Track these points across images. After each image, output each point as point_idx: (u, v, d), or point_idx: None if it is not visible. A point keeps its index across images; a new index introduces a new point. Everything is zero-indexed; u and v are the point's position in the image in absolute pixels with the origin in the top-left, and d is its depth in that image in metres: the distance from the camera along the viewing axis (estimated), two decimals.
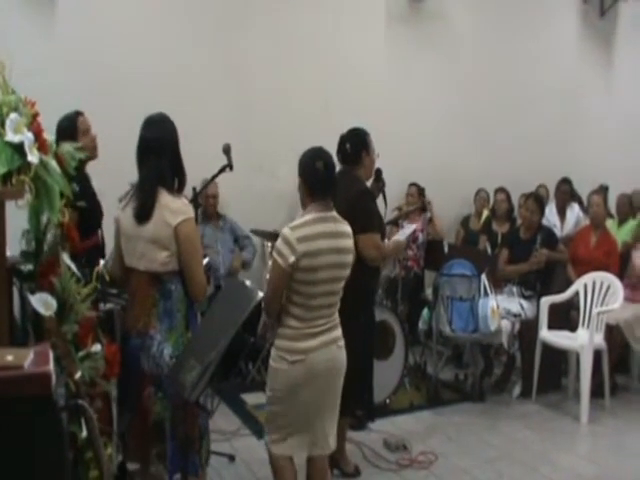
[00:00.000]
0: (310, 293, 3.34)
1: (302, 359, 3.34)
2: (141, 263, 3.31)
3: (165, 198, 3.26)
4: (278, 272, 3.32)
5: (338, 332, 3.52)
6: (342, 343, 3.53)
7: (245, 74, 6.84)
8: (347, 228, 3.51)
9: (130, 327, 3.35)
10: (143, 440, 3.35)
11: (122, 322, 3.45)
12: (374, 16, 7.72)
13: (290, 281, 3.32)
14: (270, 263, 3.59)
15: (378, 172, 4.92)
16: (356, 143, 4.51)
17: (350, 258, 3.50)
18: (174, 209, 3.25)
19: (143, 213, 3.26)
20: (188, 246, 3.28)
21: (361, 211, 4.18)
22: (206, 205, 6.56)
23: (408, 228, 5.08)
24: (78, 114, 3.99)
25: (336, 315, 3.53)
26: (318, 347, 3.38)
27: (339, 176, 3.75)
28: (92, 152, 3.88)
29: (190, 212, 3.34)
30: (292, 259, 3.25)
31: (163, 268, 3.28)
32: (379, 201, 4.83)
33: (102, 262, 3.78)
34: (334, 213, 3.47)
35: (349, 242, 3.49)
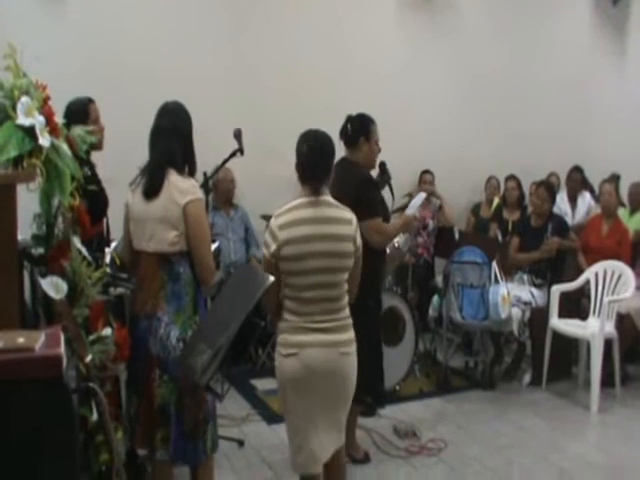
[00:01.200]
0: (301, 284, 3.18)
1: (295, 353, 3.18)
2: (150, 245, 3.30)
3: (174, 177, 3.26)
4: (265, 263, 3.24)
5: (345, 335, 3.29)
6: (350, 350, 3.30)
7: (255, 60, 6.82)
8: (344, 214, 3.30)
9: (138, 309, 3.34)
10: (149, 425, 3.34)
11: (131, 305, 3.45)
12: (384, 3, 7.68)
13: (279, 273, 3.18)
14: None
15: (382, 165, 4.88)
16: (358, 126, 4.48)
17: (348, 246, 3.25)
18: (183, 189, 3.24)
19: (151, 190, 3.26)
20: (196, 227, 3.26)
21: (363, 199, 4.10)
22: (221, 191, 6.56)
23: (418, 198, 4.97)
24: (90, 101, 3.97)
25: (344, 315, 3.31)
26: (313, 344, 3.19)
27: (339, 163, 3.69)
28: (99, 142, 3.84)
29: (199, 193, 3.32)
30: (273, 247, 3.14)
31: (172, 248, 3.26)
32: (386, 194, 4.79)
33: (107, 250, 3.79)
34: (326, 197, 3.28)
35: (345, 228, 3.26)
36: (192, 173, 3.43)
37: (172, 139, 3.32)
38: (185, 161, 3.38)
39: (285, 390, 3.28)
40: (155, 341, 3.27)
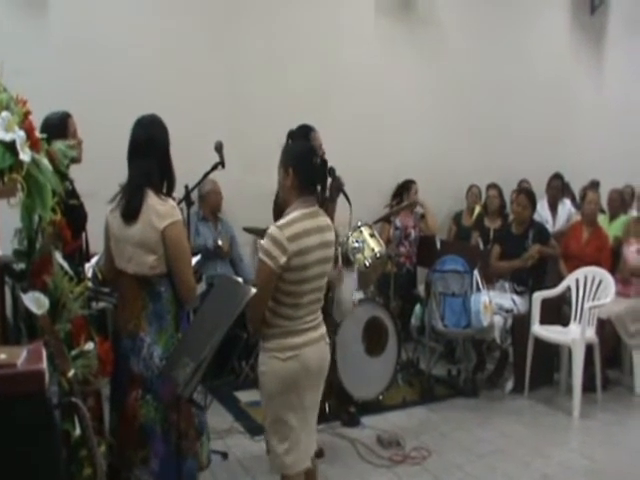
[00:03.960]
0: (300, 292, 3.23)
1: (295, 354, 3.24)
2: (129, 266, 3.30)
3: (152, 199, 3.24)
4: (267, 274, 3.17)
5: (324, 328, 3.46)
6: (328, 340, 3.49)
7: (238, 71, 6.83)
8: (328, 221, 3.39)
9: (121, 328, 3.34)
10: (128, 444, 3.30)
11: (113, 322, 3.44)
12: (364, 10, 7.72)
13: (279, 282, 3.19)
14: None
15: (331, 171, 4.86)
16: (297, 139, 4.54)
17: (332, 252, 3.40)
18: (161, 212, 3.23)
19: (130, 213, 3.24)
20: (175, 250, 3.26)
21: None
22: (209, 203, 6.56)
23: None
24: (68, 115, 3.97)
25: (320, 311, 3.46)
26: (309, 343, 3.30)
27: None
28: (78, 155, 3.81)
29: (177, 215, 3.30)
30: (283, 260, 3.11)
31: (151, 272, 3.27)
32: (341, 201, 4.82)
33: (87, 265, 3.78)
34: (316, 207, 3.35)
35: (331, 235, 3.38)
36: (170, 190, 3.40)
37: (149, 157, 3.30)
38: (163, 178, 3.36)
39: (280, 394, 3.27)
40: (138, 360, 3.27)
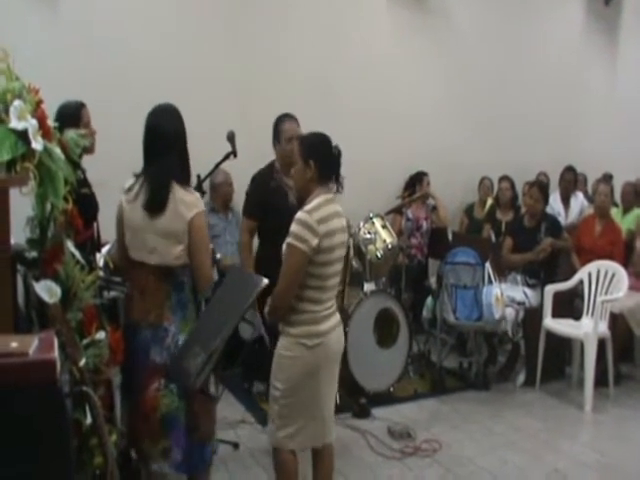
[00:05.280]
0: (326, 274, 3.34)
1: (321, 342, 3.33)
2: (152, 257, 3.27)
3: (179, 192, 3.24)
4: (299, 258, 3.24)
5: (338, 314, 3.57)
6: (342, 325, 3.60)
7: (250, 62, 6.81)
8: (340, 208, 3.50)
9: (139, 319, 3.31)
10: (144, 436, 3.30)
11: (128, 313, 3.42)
12: (377, 5, 7.68)
13: (308, 266, 3.28)
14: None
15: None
16: (273, 133, 4.78)
17: (346, 237, 3.54)
18: (188, 203, 3.24)
19: (156, 206, 3.22)
20: (199, 238, 3.27)
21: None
22: (221, 194, 6.55)
23: None
24: (82, 105, 3.96)
25: (335, 299, 3.57)
26: (331, 330, 3.41)
27: None
28: (90, 146, 3.79)
29: (202, 205, 3.33)
30: (315, 242, 3.21)
31: (176, 262, 3.26)
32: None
33: (99, 254, 3.77)
34: (333, 194, 3.48)
35: (345, 221, 3.50)
36: (187, 180, 3.40)
37: (172, 148, 3.29)
38: (184, 169, 3.36)
39: (301, 379, 3.35)
40: (161, 350, 3.26)
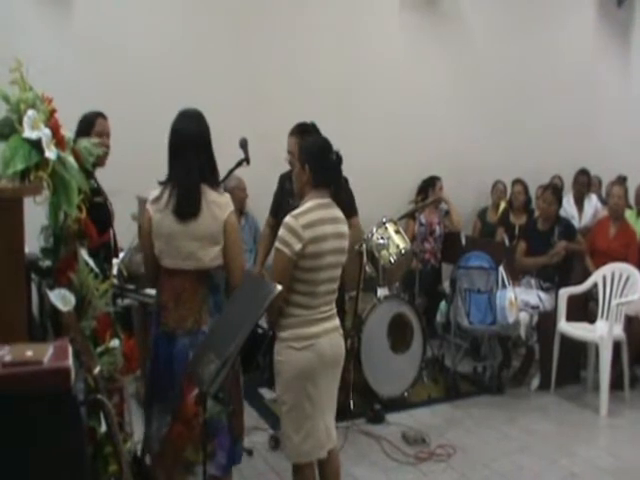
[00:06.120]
0: (315, 280, 3.33)
1: (311, 344, 3.32)
2: (188, 263, 3.27)
3: (211, 194, 3.26)
4: (283, 262, 3.28)
5: (337, 320, 3.55)
6: (342, 331, 3.57)
7: (261, 68, 6.82)
8: (341, 214, 3.50)
9: (175, 327, 3.31)
10: (185, 444, 3.28)
11: (162, 322, 3.37)
12: (388, 6, 7.69)
13: (294, 270, 3.29)
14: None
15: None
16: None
17: (346, 243, 3.51)
18: (222, 204, 3.27)
19: (189, 210, 3.22)
20: (235, 237, 3.32)
21: None
22: (235, 200, 6.55)
23: None
24: (98, 115, 3.98)
25: (334, 303, 3.55)
26: (324, 333, 3.39)
27: None
28: (101, 158, 3.71)
29: (232, 205, 3.35)
30: (299, 247, 3.23)
31: (212, 263, 3.28)
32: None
33: (114, 261, 3.79)
34: (330, 200, 3.45)
35: (345, 227, 3.50)
36: (216, 182, 3.42)
37: (201, 152, 3.30)
38: (213, 172, 3.38)
39: (296, 382, 3.36)
40: None
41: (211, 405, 3.23)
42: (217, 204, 3.26)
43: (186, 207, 3.23)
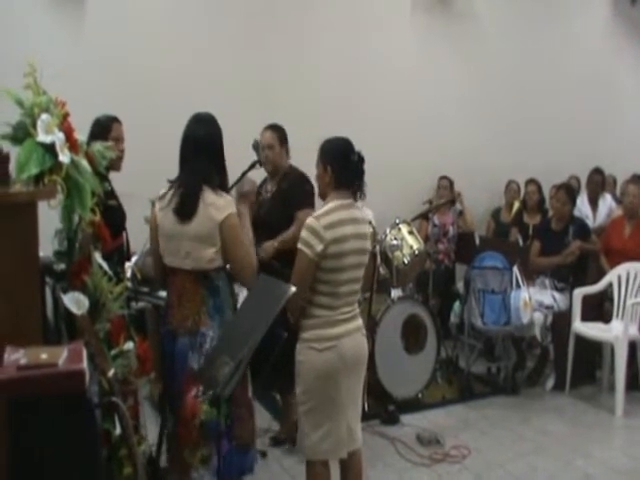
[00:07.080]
0: (337, 280, 3.34)
1: (333, 345, 3.33)
2: (186, 262, 3.30)
3: (210, 196, 3.26)
4: (305, 263, 3.29)
5: (360, 321, 3.54)
6: (364, 331, 3.56)
7: (272, 70, 6.83)
8: (363, 215, 3.53)
9: (177, 326, 3.34)
10: (184, 444, 3.29)
11: (167, 321, 3.42)
12: (400, 5, 7.68)
13: (316, 271, 3.30)
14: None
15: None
16: None
17: (369, 244, 3.53)
18: (220, 206, 3.26)
19: (186, 211, 3.25)
20: (233, 236, 3.28)
21: None
22: (249, 203, 6.57)
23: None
24: (114, 120, 4.00)
25: (357, 304, 3.55)
26: (346, 334, 3.38)
27: None
28: (116, 163, 3.79)
29: (234, 207, 3.34)
30: (320, 247, 3.24)
31: (209, 265, 3.29)
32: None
33: (127, 264, 3.80)
34: (352, 200, 3.46)
35: (367, 228, 3.51)
36: (224, 187, 3.42)
37: (209, 155, 3.33)
38: (219, 176, 3.38)
39: (316, 383, 3.36)
40: (199, 357, 3.26)
41: (208, 407, 3.23)
42: (215, 206, 3.25)
43: (183, 208, 3.27)
